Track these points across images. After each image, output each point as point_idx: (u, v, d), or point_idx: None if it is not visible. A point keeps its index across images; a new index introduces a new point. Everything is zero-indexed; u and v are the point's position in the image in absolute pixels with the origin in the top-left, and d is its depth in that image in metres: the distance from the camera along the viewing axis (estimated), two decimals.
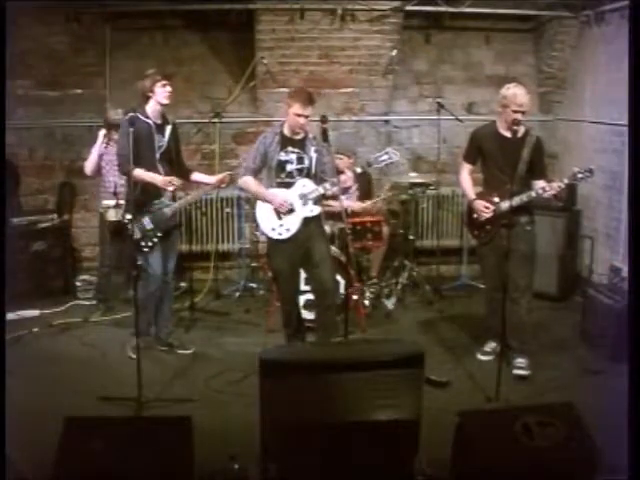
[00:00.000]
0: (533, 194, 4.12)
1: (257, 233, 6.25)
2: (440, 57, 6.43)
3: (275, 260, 4.45)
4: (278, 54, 5.80)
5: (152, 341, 4.62)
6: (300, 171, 4.34)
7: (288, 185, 4.32)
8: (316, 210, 4.34)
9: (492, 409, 3.65)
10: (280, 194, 4.30)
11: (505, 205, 4.15)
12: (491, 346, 4.56)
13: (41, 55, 5.80)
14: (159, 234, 4.34)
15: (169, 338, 4.68)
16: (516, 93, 4.10)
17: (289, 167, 4.32)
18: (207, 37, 6.18)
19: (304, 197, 4.29)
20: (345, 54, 5.86)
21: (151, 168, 4.24)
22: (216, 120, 5.88)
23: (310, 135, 4.38)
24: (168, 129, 4.35)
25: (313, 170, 4.35)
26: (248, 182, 4.41)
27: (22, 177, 6.08)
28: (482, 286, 4.99)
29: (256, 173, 4.42)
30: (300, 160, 4.33)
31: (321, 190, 4.27)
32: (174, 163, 4.42)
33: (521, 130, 4.12)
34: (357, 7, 5.60)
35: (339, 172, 4.93)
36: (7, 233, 4.96)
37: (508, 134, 4.17)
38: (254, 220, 6.23)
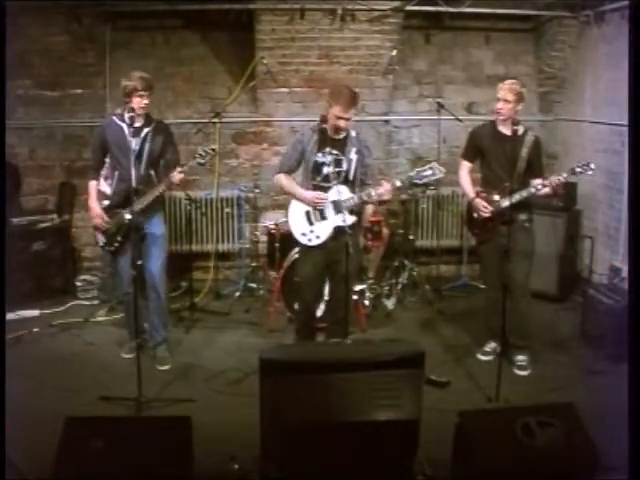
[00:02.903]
0: (532, 190, 4.14)
1: (257, 233, 6.28)
2: (440, 57, 6.43)
3: (302, 266, 4.31)
4: (278, 54, 5.80)
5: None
6: (337, 175, 4.07)
7: (324, 189, 4.09)
8: (349, 220, 3.98)
9: (492, 409, 3.65)
10: (315, 191, 4.09)
11: (505, 203, 4.16)
12: (491, 346, 4.57)
13: (41, 55, 5.78)
14: (119, 238, 4.28)
15: (156, 348, 4.53)
16: (505, 83, 4.22)
17: (325, 170, 4.07)
18: (207, 37, 6.17)
19: (338, 205, 4.04)
20: (345, 54, 5.85)
21: (125, 172, 4.12)
22: (216, 120, 5.88)
23: (353, 133, 4.13)
24: (145, 131, 4.18)
25: (352, 174, 4.08)
26: (281, 179, 4.21)
27: (22, 177, 6.08)
28: (482, 286, 4.99)
29: (291, 171, 4.22)
30: (338, 163, 4.06)
31: (356, 199, 4.02)
32: (155, 165, 4.28)
33: (520, 129, 4.13)
34: (357, 7, 5.60)
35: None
36: (7, 233, 4.97)
37: (507, 132, 4.19)
38: (254, 220, 6.33)
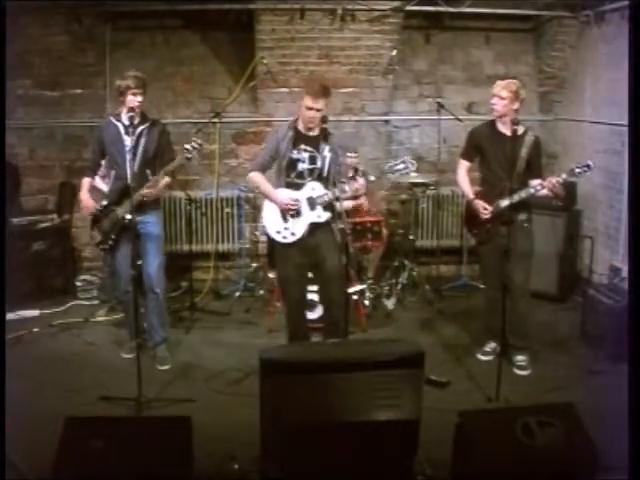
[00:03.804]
0: (531, 190, 4.15)
1: (257, 233, 6.27)
2: (440, 57, 6.43)
3: (280, 265, 4.26)
4: (278, 54, 5.80)
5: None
6: (311, 172, 4.08)
7: (297, 186, 4.08)
8: (324, 216, 4.05)
9: (492, 409, 3.65)
10: (287, 194, 4.08)
11: (505, 203, 4.16)
12: (491, 346, 4.57)
13: (41, 55, 5.78)
14: (113, 236, 4.28)
15: (156, 348, 4.53)
16: (503, 81, 4.24)
17: (300, 166, 4.07)
18: (207, 37, 6.17)
19: (312, 201, 4.05)
20: (345, 54, 5.85)
21: (121, 170, 4.16)
22: (216, 120, 5.88)
23: (328, 132, 4.08)
24: (140, 129, 4.18)
25: (325, 171, 4.07)
26: (255, 178, 4.20)
27: (22, 177, 6.08)
28: (482, 286, 4.99)
29: (265, 168, 4.21)
30: (312, 160, 4.07)
31: (330, 195, 3.99)
32: (151, 163, 4.28)
33: (520, 129, 4.13)
34: (357, 7, 5.60)
35: (351, 178, 4.77)
36: (7, 233, 4.97)
37: (507, 132, 4.19)
38: (254, 220, 6.33)
